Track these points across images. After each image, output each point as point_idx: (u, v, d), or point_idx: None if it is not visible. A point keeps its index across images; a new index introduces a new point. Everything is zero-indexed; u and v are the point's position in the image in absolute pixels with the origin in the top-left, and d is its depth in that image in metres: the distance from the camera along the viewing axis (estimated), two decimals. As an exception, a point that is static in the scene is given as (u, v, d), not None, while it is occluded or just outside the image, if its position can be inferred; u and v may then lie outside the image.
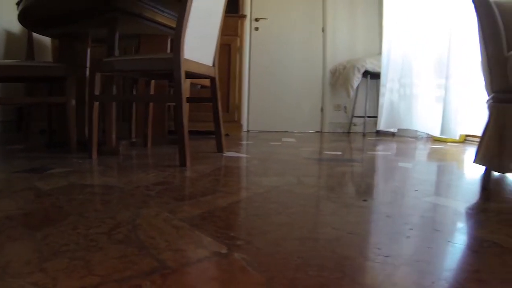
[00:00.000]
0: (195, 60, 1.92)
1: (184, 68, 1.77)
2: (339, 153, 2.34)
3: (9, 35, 3.62)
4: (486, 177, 1.41)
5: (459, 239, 0.82)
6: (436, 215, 0.99)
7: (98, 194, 1.16)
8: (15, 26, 3.55)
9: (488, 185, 1.41)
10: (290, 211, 1.02)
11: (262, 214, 0.99)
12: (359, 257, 0.71)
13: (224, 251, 0.73)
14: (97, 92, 1.94)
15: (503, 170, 1.30)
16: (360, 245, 0.77)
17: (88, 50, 2.44)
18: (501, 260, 0.69)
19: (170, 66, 1.76)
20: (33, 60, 2.44)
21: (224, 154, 2.19)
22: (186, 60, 1.81)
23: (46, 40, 3.65)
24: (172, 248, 0.73)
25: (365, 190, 1.31)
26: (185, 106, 1.75)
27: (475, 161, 1.43)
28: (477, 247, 0.77)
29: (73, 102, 2.12)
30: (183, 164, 1.74)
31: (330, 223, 0.93)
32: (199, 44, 1.96)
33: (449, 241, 0.79)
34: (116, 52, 2.17)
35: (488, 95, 1.45)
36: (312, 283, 0.60)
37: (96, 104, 1.95)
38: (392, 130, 4.14)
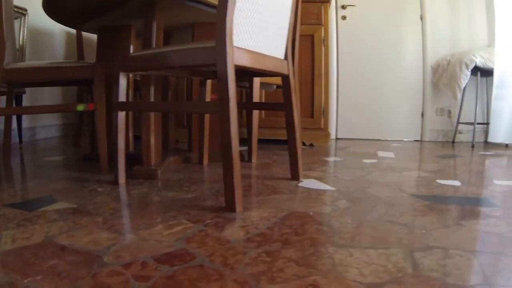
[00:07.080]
0: (253, 49, 1.33)
1: (233, 60, 1.18)
2: (457, 183, 1.58)
3: (69, 36, 3.39)
4: None
5: None
6: None
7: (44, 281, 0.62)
8: (76, 27, 3.30)
9: None
10: None
11: None
12: None
13: None
14: (122, 98, 1.45)
15: None
16: None
17: (131, 47, 1.98)
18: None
19: (214, 59, 1.19)
20: (68, 61, 2.07)
21: (300, 184, 1.55)
22: (238, 48, 1.23)
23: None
24: None
25: None
26: (234, 117, 1.17)
27: None
28: None
29: (103, 109, 1.66)
30: (230, 207, 1.16)
31: None
32: (258, 28, 1.37)
33: None
34: (154, 46, 1.67)
35: None
36: None
37: (122, 114, 1.46)
38: (505, 141, 3.15)
